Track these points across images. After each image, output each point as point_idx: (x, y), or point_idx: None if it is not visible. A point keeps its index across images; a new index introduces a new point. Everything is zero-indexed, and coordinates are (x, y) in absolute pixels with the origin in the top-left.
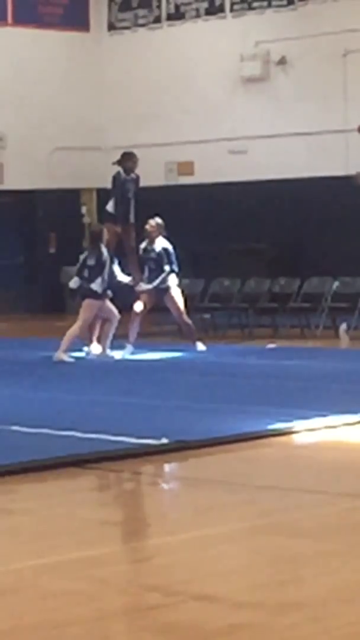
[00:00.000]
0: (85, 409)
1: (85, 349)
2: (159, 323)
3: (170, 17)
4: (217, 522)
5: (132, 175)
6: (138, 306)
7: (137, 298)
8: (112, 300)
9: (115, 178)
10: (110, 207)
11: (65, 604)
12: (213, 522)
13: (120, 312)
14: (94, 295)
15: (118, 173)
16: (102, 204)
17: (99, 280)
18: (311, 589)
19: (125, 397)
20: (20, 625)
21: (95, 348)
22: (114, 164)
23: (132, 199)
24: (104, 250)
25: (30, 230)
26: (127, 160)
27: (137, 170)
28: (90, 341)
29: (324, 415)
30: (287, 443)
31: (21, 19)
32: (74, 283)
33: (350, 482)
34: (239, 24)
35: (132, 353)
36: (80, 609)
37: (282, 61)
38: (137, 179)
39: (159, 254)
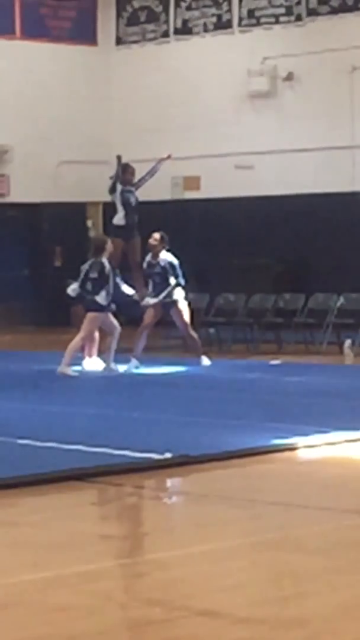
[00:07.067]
0: (88, 423)
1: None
2: (164, 337)
3: (177, 32)
4: (219, 537)
5: (130, 187)
6: (146, 319)
7: (142, 312)
8: (115, 313)
9: (113, 189)
10: (117, 219)
11: (67, 618)
12: (215, 538)
13: (121, 325)
14: (99, 307)
15: (114, 184)
16: (107, 217)
17: (103, 293)
18: (314, 606)
19: (129, 411)
20: (22, 639)
21: (89, 364)
22: (111, 177)
23: (135, 211)
24: (106, 262)
25: (35, 243)
26: (124, 172)
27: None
28: (90, 356)
29: (328, 432)
30: (291, 459)
31: (29, 33)
32: (72, 291)
33: (353, 499)
34: (247, 39)
35: (137, 367)
36: (81, 623)
37: (289, 77)
38: (134, 191)
39: (163, 267)
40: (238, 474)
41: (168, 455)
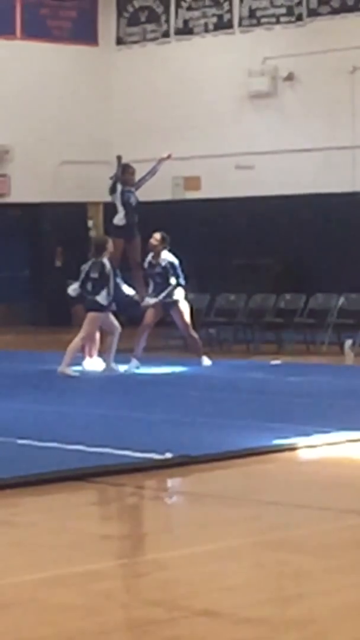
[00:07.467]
0: (89, 423)
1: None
2: (164, 337)
3: (178, 32)
4: (220, 537)
5: (130, 187)
6: (147, 320)
7: (142, 312)
8: (115, 313)
9: (113, 189)
10: (117, 219)
11: (67, 618)
12: (216, 537)
13: (122, 325)
14: (100, 307)
15: (115, 184)
16: (108, 217)
17: (104, 292)
18: (315, 606)
19: (129, 411)
20: (22, 639)
21: (90, 364)
22: (111, 178)
23: (135, 211)
24: (107, 262)
25: (36, 243)
26: (125, 172)
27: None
28: (90, 356)
29: (328, 432)
30: (291, 459)
31: (30, 33)
32: (73, 291)
33: (354, 499)
34: (247, 39)
35: (137, 367)
36: (82, 623)
37: (289, 77)
38: (134, 191)
39: (164, 267)
40: (238, 474)
41: (168, 455)
